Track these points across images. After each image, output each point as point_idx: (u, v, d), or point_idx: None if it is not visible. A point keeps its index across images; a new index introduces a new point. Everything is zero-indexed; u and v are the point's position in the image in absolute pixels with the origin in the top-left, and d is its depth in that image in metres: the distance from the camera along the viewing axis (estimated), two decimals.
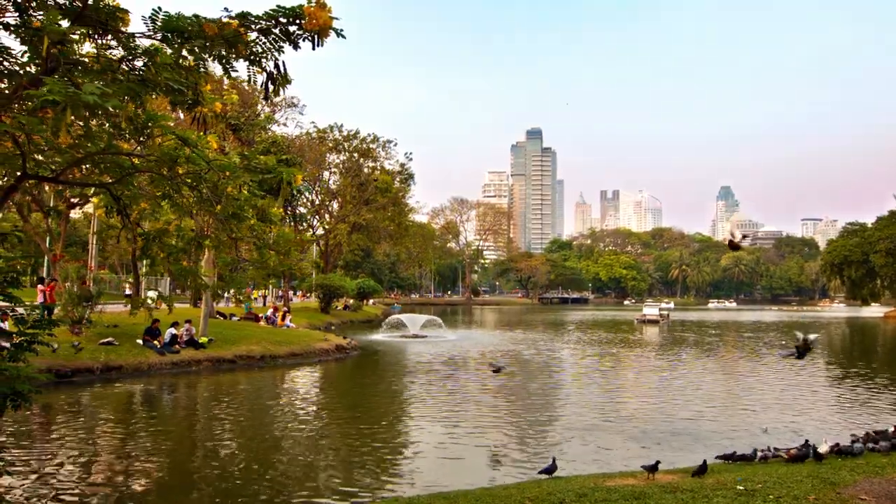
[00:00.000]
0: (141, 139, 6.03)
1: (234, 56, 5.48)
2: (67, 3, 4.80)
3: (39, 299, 28.73)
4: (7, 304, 5.86)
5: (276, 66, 5.72)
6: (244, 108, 28.66)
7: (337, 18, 5.40)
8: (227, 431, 14.88)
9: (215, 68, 6.06)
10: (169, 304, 10.99)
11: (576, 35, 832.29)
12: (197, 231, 7.23)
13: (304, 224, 64.55)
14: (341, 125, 60.14)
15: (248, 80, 5.93)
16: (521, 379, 24.05)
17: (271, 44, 5.45)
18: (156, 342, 24.38)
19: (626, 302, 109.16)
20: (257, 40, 5.41)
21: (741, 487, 7.61)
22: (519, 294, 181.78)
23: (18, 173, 5.56)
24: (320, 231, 64.28)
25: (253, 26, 5.28)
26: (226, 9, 5.24)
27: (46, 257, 37.85)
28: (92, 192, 7.41)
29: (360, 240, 66.94)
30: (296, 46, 5.51)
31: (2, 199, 5.78)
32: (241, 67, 5.73)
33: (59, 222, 35.48)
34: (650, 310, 69.52)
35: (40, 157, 6.07)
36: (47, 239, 36.95)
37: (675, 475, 8.92)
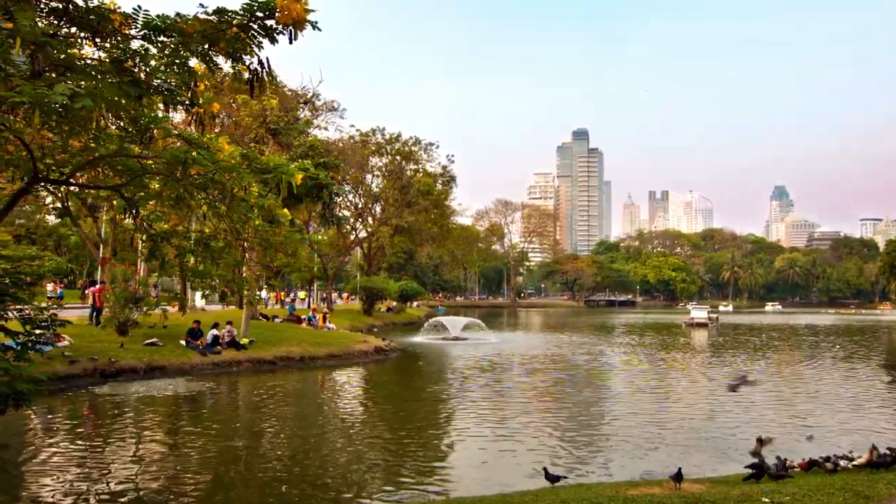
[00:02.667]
0: (142, 141, 6.11)
1: (215, 53, 5.51)
2: (60, 4, 4.86)
3: (90, 301, 29.80)
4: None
5: (260, 62, 5.73)
6: (284, 112, 29.11)
7: (312, 11, 5.39)
8: (265, 432, 15.07)
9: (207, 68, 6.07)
10: (183, 305, 11.16)
11: (621, 34, 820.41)
12: (203, 232, 7.26)
13: (348, 227, 65.28)
14: (383, 128, 60.64)
15: (234, 78, 5.94)
16: (565, 384, 23.69)
17: (250, 39, 5.45)
18: (198, 343, 24.94)
19: (689, 304, 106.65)
20: (237, 36, 5.43)
21: (767, 500, 7.26)
22: (565, 296, 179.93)
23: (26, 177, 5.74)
24: (363, 234, 64.86)
25: (232, 22, 5.29)
26: (201, 4, 5.26)
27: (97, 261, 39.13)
28: (106, 194, 7.54)
29: (403, 242, 67.26)
30: (273, 41, 5.51)
31: (13, 201, 5.95)
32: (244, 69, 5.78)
33: (111, 226, 36.63)
34: (698, 312, 67.62)
35: (51, 161, 6.21)
36: (101, 244, 38.19)
37: (703, 485, 8.59)
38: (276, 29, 5.44)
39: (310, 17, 5.31)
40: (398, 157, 60.79)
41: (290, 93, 38.36)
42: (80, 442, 13.32)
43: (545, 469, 9.46)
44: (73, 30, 5.15)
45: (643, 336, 49.36)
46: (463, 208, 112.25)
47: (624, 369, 27.83)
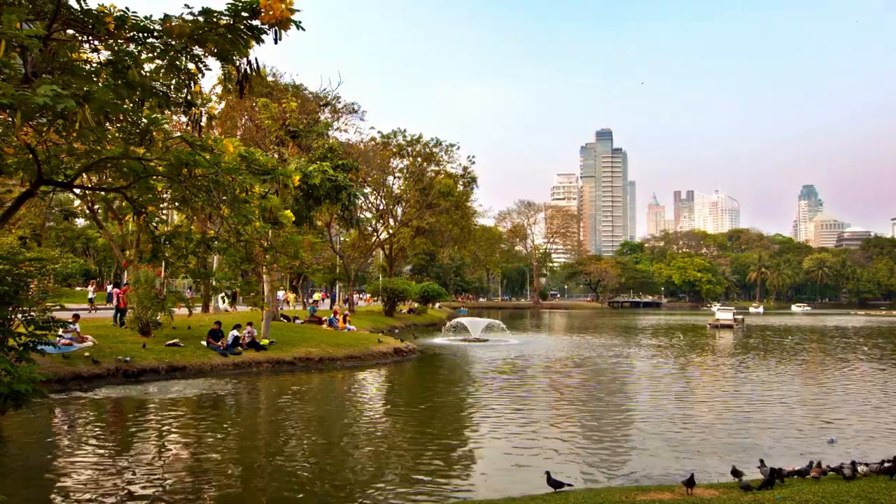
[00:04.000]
0: (142, 143, 6.15)
1: (204, 54, 5.53)
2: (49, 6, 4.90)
3: (114, 303, 30.29)
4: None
5: (249, 62, 5.74)
6: (303, 115, 29.30)
7: (297, 10, 5.39)
8: (284, 431, 15.15)
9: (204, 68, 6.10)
10: (188, 306, 11.29)
11: (644, 34, 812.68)
12: (205, 233, 7.30)
13: (370, 228, 65.49)
14: (404, 130, 60.71)
15: (224, 78, 5.96)
16: (585, 386, 23.48)
17: (238, 39, 5.46)
18: (219, 344, 25.18)
19: (714, 306, 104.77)
20: (225, 36, 5.44)
21: None
22: (588, 298, 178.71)
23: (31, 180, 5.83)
24: (384, 235, 65.04)
25: (219, 22, 5.31)
26: (186, 5, 5.28)
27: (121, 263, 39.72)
28: (112, 196, 7.59)
29: (424, 244, 67.32)
30: (258, 41, 5.52)
31: (18, 203, 6.04)
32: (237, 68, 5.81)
33: (137, 228, 37.18)
34: (723, 314, 66.64)
35: (56, 164, 6.30)
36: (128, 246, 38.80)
37: (716, 490, 8.42)
38: (262, 29, 5.46)
39: (295, 16, 5.32)
40: (419, 159, 60.86)
41: (310, 95, 38.59)
42: (101, 441, 13.51)
43: (548, 474, 9.34)
44: (70, 33, 5.22)
45: (666, 338, 48.76)
46: (484, 209, 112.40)
47: (646, 372, 27.51)
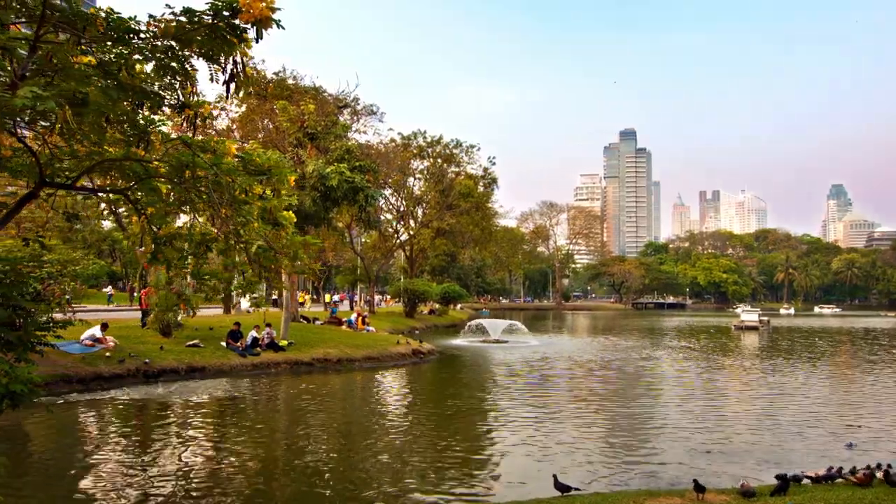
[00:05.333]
0: (139, 144, 6.19)
1: (190, 54, 5.54)
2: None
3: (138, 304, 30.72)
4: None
5: (235, 62, 5.74)
6: (322, 116, 29.45)
7: (277, 9, 5.36)
8: (302, 432, 15.21)
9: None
10: (192, 307, 11.39)
11: (669, 34, 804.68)
12: (205, 234, 7.33)
13: (391, 230, 65.65)
14: (424, 131, 60.74)
15: (210, 79, 5.97)
16: (605, 389, 23.25)
17: (221, 39, 5.45)
18: (238, 345, 25.39)
19: (739, 308, 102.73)
20: (209, 36, 5.44)
21: None
22: (611, 299, 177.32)
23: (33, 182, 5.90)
24: (405, 237, 65.16)
25: (201, 22, 5.31)
26: (167, 5, 5.28)
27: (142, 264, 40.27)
28: (117, 198, 7.66)
29: (444, 245, 67.29)
30: (241, 40, 5.51)
31: (19, 206, 6.11)
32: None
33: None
34: (749, 315, 65.60)
35: (60, 166, 6.37)
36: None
37: (727, 496, 8.24)
38: (244, 28, 5.46)
39: (275, 15, 5.31)
40: (439, 160, 60.86)
41: (329, 97, 38.80)
42: (121, 440, 13.70)
43: (555, 477, 9.21)
44: (63, 37, 5.26)
45: (690, 340, 48.14)
46: (505, 210, 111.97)
47: (668, 374, 27.14)
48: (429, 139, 60.68)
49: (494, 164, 64.47)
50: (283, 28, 5.49)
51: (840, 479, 8.77)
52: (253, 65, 41.94)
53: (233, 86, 5.97)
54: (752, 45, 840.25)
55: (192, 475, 10.86)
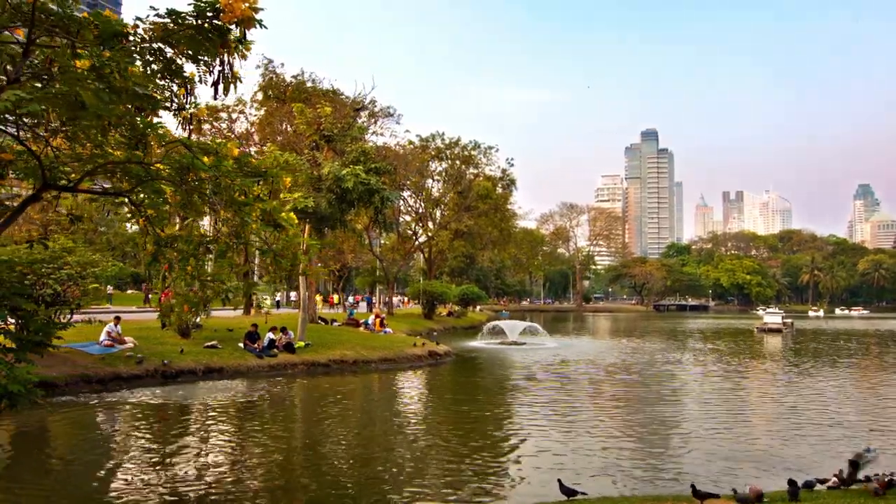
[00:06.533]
0: (137, 147, 6.25)
1: (176, 55, 5.59)
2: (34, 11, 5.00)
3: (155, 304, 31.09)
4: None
5: (222, 62, 5.77)
6: (338, 119, 29.61)
7: (260, 9, 5.39)
8: (320, 433, 15.29)
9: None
10: (196, 307, 11.46)
11: (690, 33, 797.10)
12: (205, 236, 7.40)
13: (410, 231, 65.80)
14: (443, 133, 60.87)
15: (199, 80, 6.00)
16: (622, 392, 23.04)
17: (207, 40, 5.50)
18: (255, 346, 25.59)
19: (761, 309, 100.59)
20: (194, 38, 5.48)
21: None
22: (633, 301, 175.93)
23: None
24: (423, 238, 65.25)
25: (185, 23, 5.36)
26: (152, 7, 5.34)
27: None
28: (122, 200, 7.75)
29: (463, 246, 67.29)
30: (224, 42, 5.54)
31: (21, 208, 6.22)
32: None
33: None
34: (772, 318, 64.70)
35: (66, 169, 6.47)
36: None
37: (730, 502, 8.09)
38: (228, 29, 5.50)
39: (258, 15, 5.36)
40: (457, 162, 60.90)
41: (346, 100, 39.02)
42: (141, 440, 13.85)
43: (559, 482, 9.12)
44: (63, 42, 5.35)
45: (712, 342, 47.57)
46: (524, 212, 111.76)
47: (688, 378, 26.81)
48: (447, 141, 60.82)
49: (513, 165, 64.45)
50: (266, 27, 5.54)
51: (855, 486, 8.57)
52: (273, 68, 42.45)
53: (221, 87, 6.02)
54: (776, 41, 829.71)
55: (212, 476, 10.92)
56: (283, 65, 41.63)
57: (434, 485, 10.70)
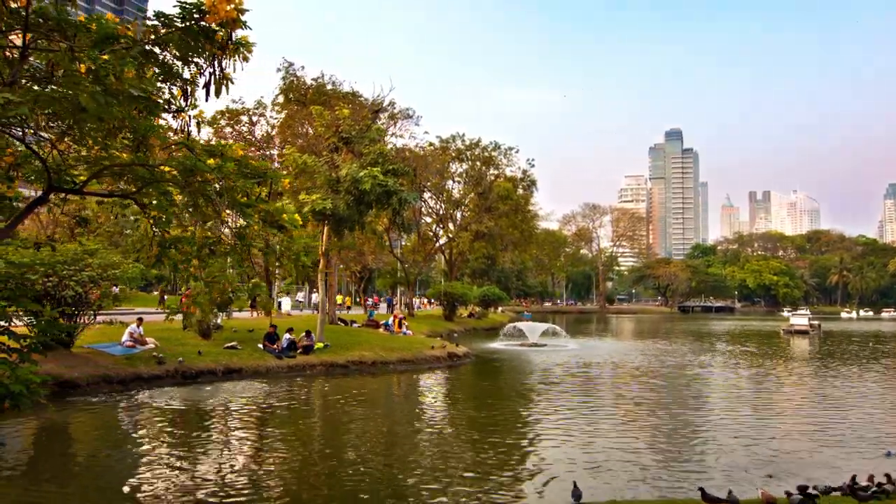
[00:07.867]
0: (138, 149, 6.32)
1: (167, 57, 5.64)
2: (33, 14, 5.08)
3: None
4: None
5: (214, 65, 5.81)
6: (357, 120, 29.75)
7: (245, 10, 5.42)
8: (338, 436, 15.34)
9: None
10: (203, 308, 11.58)
11: (713, 33, 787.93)
12: (207, 236, 7.45)
13: (430, 233, 65.83)
14: (463, 134, 60.83)
15: (192, 81, 6.04)
16: (644, 396, 22.77)
17: (195, 42, 5.53)
18: (274, 347, 25.78)
19: (787, 311, 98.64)
20: (182, 39, 5.53)
21: None
22: (657, 302, 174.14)
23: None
24: (444, 240, 65.25)
25: (173, 25, 5.40)
26: (140, 9, 5.40)
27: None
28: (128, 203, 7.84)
29: (484, 248, 67.20)
30: (212, 42, 5.57)
31: (28, 210, 6.32)
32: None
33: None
34: (798, 319, 63.56)
35: (74, 172, 6.57)
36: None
37: None
38: (215, 30, 5.54)
39: (243, 17, 5.40)
40: (478, 163, 60.83)
41: (365, 102, 39.18)
42: (162, 441, 13.99)
43: (574, 483, 9.03)
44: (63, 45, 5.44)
45: (738, 344, 46.86)
46: (546, 213, 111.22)
47: (713, 381, 26.43)
48: (467, 142, 60.79)
49: (533, 165, 64.23)
50: (250, 28, 5.61)
51: (875, 490, 8.36)
52: (293, 71, 42.73)
53: (213, 89, 6.06)
54: (803, 39, 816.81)
55: (233, 476, 10.98)
56: (303, 67, 41.84)
57: (456, 490, 10.59)
